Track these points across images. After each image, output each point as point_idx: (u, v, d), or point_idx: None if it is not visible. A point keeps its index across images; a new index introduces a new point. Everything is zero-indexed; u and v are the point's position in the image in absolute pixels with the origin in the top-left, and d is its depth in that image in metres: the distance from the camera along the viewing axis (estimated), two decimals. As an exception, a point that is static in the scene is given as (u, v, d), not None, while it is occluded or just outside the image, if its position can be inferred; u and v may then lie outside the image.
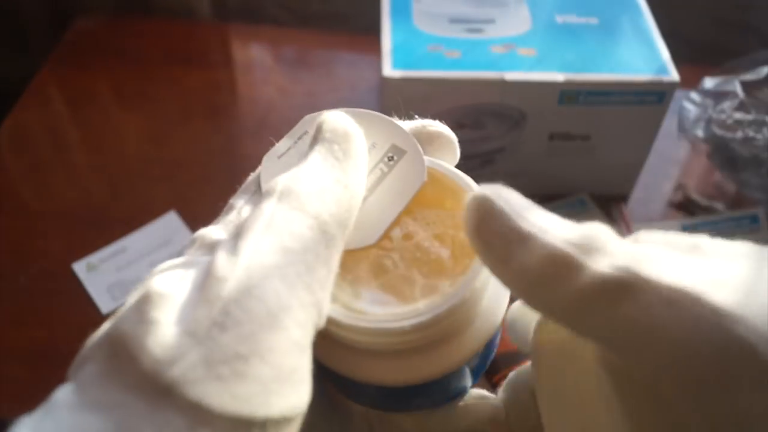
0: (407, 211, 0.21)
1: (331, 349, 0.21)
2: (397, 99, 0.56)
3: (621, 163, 0.63)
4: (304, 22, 0.86)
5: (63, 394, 0.17)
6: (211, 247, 0.19)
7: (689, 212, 0.64)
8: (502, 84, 0.55)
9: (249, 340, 0.16)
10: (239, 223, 0.19)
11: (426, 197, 0.22)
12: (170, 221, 0.62)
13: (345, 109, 0.22)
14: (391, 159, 0.22)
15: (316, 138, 0.20)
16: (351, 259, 0.21)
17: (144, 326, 0.16)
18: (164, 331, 0.16)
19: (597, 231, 0.17)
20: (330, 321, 0.20)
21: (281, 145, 0.23)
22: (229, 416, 0.15)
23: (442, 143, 0.23)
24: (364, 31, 0.75)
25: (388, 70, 0.55)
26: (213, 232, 0.20)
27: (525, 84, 0.55)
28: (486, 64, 0.56)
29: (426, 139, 0.22)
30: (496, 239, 0.17)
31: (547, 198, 0.63)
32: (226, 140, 0.70)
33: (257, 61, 0.80)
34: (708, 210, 0.63)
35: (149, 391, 0.15)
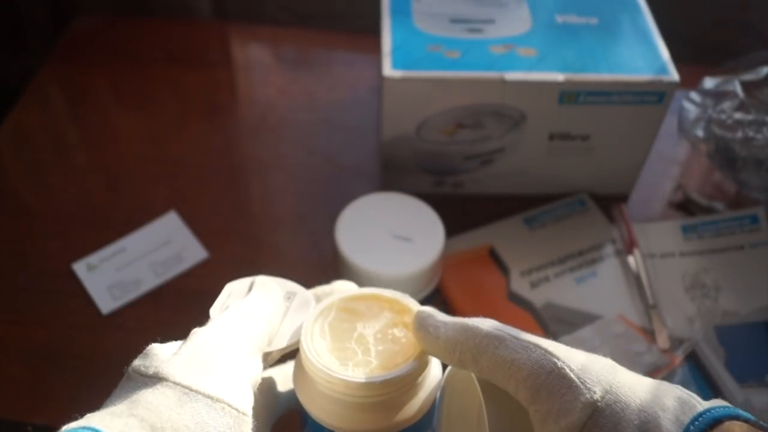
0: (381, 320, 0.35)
1: (318, 402, 0.33)
2: (397, 99, 0.56)
3: (621, 163, 0.63)
4: (303, 22, 0.86)
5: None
6: None
7: (689, 212, 0.63)
8: (502, 84, 0.55)
9: (212, 359, 0.28)
10: None
11: (389, 311, 0.35)
12: (170, 221, 0.62)
13: (255, 277, 0.36)
14: (288, 299, 0.35)
15: (252, 286, 0.35)
16: (341, 347, 0.33)
17: (149, 359, 0.28)
18: (160, 358, 0.28)
19: (484, 319, 0.31)
20: (327, 379, 0.31)
21: (218, 301, 0.34)
22: (201, 392, 0.27)
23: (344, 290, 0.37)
24: (364, 31, 0.75)
25: (388, 70, 0.55)
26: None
27: (525, 84, 0.55)
28: (486, 64, 0.56)
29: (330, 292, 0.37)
30: (429, 328, 0.32)
31: (547, 198, 0.63)
32: (226, 140, 0.70)
33: (257, 60, 0.80)
34: (708, 210, 0.63)
35: (151, 382, 0.27)
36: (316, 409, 0.33)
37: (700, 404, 0.27)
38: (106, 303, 0.57)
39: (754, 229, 0.59)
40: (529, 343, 0.29)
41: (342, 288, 0.38)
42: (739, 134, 0.58)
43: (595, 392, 0.27)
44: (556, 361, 0.28)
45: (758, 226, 0.59)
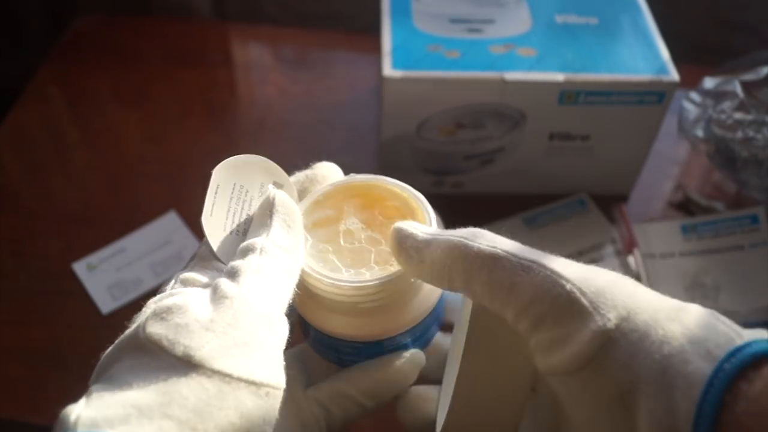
0: (371, 218, 0.33)
1: (318, 312, 0.31)
2: (397, 99, 0.56)
3: (621, 163, 0.63)
4: (303, 21, 0.86)
5: (97, 388, 0.23)
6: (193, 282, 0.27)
7: (689, 212, 0.63)
8: (502, 84, 0.55)
9: (252, 336, 0.24)
10: (228, 269, 0.27)
11: (388, 209, 0.33)
12: (170, 221, 0.62)
13: (239, 156, 0.32)
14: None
15: (271, 211, 0.29)
16: (333, 246, 0.31)
17: (173, 328, 0.23)
18: (189, 330, 0.23)
19: (473, 230, 0.27)
20: (317, 282, 0.29)
21: (207, 204, 0.31)
22: (244, 379, 0.23)
23: (328, 175, 0.33)
24: (364, 31, 0.75)
25: (388, 70, 0.55)
26: (193, 275, 0.28)
27: (525, 84, 0.55)
28: (486, 64, 0.56)
29: (320, 179, 0.33)
30: (411, 251, 0.27)
31: (547, 198, 0.63)
32: (225, 140, 0.70)
33: (256, 60, 0.80)
34: (708, 210, 0.63)
35: (182, 368, 0.22)
36: (317, 318, 0.31)
37: (740, 336, 0.22)
38: (106, 303, 0.57)
39: (754, 229, 0.59)
40: (532, 262, 0.24)
41: (326, 172, 0.33)
42: (739, 134, 0.58)
43: (609, 319, 0.22)
44: (565, 284, 0.23)
45: (758, 226, 0.59)
